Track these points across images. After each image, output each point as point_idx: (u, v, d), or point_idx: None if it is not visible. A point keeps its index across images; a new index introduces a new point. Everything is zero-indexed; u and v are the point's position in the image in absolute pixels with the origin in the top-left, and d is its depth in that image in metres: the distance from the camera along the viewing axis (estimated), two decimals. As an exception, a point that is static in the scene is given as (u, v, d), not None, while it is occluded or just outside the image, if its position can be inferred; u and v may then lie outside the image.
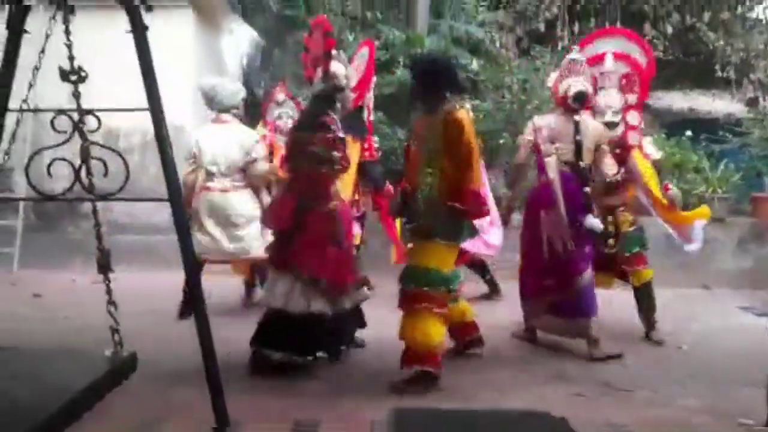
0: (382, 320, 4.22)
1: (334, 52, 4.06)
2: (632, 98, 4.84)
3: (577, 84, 4.42)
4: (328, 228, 3.89)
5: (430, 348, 3.67)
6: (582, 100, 4.44)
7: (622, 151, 4.75)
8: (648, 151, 4.96)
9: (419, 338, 3.66)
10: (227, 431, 2.49)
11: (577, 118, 4.43)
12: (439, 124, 3.71)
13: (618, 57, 4.89)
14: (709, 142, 8.82)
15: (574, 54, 4.68)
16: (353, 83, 4.56)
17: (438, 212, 3.70)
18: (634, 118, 4.85)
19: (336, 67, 4.08)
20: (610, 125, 4.72)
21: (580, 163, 4.41)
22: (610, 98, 4.81)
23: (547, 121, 4.56)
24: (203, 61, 8.42)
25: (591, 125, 4.50)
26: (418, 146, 3.91)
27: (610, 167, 4.48)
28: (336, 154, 3.86)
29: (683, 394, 3.69)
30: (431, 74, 3.82)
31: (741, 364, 4.24)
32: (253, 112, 9.75)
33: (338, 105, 4.10)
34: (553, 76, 4.72)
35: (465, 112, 3.99)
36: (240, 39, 9.62)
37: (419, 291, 3.68)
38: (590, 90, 4.51)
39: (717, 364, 4.30)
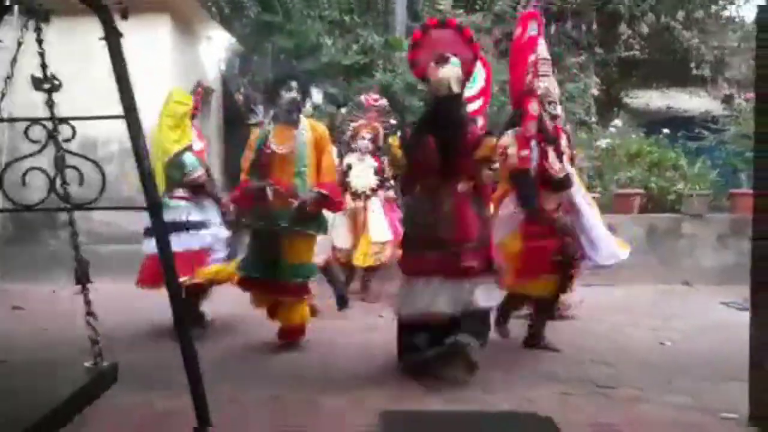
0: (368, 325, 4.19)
1: None
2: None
3: None
4: None
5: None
6: None
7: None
8: None
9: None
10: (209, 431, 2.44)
11: None
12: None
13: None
14: (686, 140, 8.93)
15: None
16: None
17: None
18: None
19: None
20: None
21: None
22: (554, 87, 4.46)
23: None
24: (181, 67, 8.36)
25: None
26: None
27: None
28: None
29: (667, 390, 3.71)
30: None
31: (724, 359, 4.27)
32: (231, 117, 9.71)
33: None
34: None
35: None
36: (218, 45, 9.58)
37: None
38: None
39: (700, 360, 4.33)
